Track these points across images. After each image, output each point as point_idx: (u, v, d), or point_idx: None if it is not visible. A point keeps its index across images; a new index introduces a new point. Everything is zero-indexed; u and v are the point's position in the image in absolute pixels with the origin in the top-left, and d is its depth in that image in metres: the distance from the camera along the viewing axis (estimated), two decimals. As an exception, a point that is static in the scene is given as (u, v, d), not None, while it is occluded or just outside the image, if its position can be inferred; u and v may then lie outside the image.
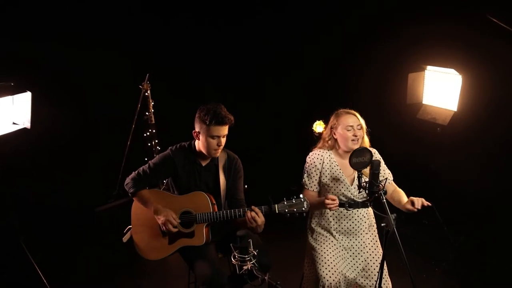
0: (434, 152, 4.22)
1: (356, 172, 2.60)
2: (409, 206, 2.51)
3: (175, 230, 2.57)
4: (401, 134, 4.41)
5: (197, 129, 2.60)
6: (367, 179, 2.30)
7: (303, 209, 2.45)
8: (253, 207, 2.47)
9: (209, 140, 2.55)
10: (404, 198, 2.63)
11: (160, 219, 2.57)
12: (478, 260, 3.73)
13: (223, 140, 2.59)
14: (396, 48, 4.45)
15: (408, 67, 4.16)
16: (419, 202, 2.47)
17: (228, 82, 5.47)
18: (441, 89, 3.98)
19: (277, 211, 2.46)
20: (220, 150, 2.62)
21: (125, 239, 2.76)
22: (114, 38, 4.92)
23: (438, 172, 4.23)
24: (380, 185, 2.21)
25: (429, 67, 4.01)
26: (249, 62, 5.54)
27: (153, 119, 4.54)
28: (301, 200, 2.45)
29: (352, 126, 2.62)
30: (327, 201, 2.45)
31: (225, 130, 2.56)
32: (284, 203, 2.47)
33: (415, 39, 4.23)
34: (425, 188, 4.10)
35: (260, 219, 2.45)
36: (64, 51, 4.64)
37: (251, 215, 2.44)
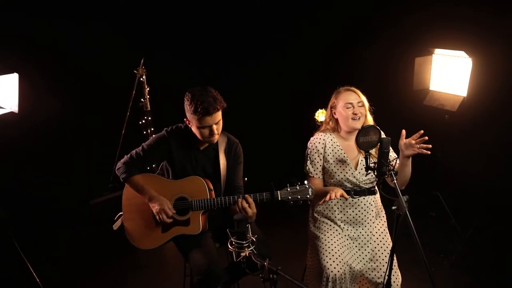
0: (442, 140, 4.05)
1: (362, 154, 2.48)
2: (402, 143, 2.25)
3: (169, 221, 2.42)
4: (407, 122, 4.17)
5: (187, 117, 2.42)
6: (374, 161, 2.14)
7: (308, 196, 2.29)
8: (246, 196, 2.33)
9: (200, 130, 2.37)
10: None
11: (155, 208, 2.42)
12: (490, 253, 3.57)
13: (216, 127, 2.38)
14: (402, 31, 4.30)
15: (414, 51, 4.00)
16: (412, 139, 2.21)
17: (226, 67, 5.36)
18: (449, 73, 3.81)
19: (279, 198, 2.31)
20: (216, 137, 2.43)
21: (115, 226, 2.61)
22: (107, 22, 4.80)
23: (446, 161, 4.07)
24: (390, 165, 2.04)
25: (437, 51, 3.85)
26: (248, 48, 5.43)
27: (148, 105, 4.44)
28: (306, 187, 2.30)
29: (351, 104, 2.46)
30: (332, 195, 2.29)
31: (215, 118, 2.34)
32: (287, 190, 2.31)
33: (422, 21, 4.07)
34: (432, 178, 3.99)
35: (252, 210, 2.31)
36: (55, 35, 4.51)
37: (242, 205, 2.30)
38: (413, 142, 2.22)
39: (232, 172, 2.59)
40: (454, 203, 3.94)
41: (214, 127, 2.36)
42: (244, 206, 2.30)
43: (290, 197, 2.31)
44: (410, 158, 2.29)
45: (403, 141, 2.27)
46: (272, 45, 5.41)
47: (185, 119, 2.46)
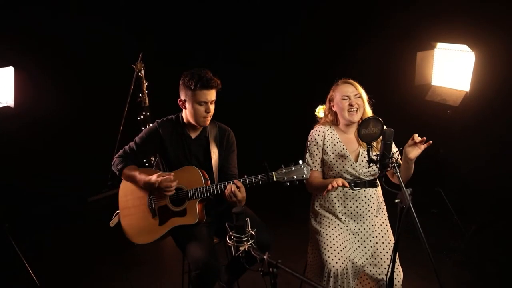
0: (444, 136, 4.01)
1: (363, 147, 2.45)
2: (411, 142, 2.23)
3: (174, 184, 2.37)
4: (409, 118, 4.22)
5: (182, 97, 2.44)
6: (377, 153, 2.09)
7: (304, 175, 2.29)
8: (235, 180, 2.32)
9: (196, 107, 2.38)
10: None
11: (154, 181, 2.37)
12: (492, 251, 3.52)
13: (212, 107, 2.42)
14: (403, 25, 4.25)
15: (416, 45, 3.96)
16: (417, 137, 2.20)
17: (226, 66, 5.31)
18: (452, 68, 3.77)
19: (275, 179, 2.30)
20: (209, 118, 2.45)
21: (112, 223, 2.61)
22: (107, 16, 4.76)
23: (448, 157, 4.02)
24: (393, 158, 1.99)
25: (439, 45, 3.81)
26: (248, 47, 5.38)
27: (147, 101, 4.41)
28: (301, 166, 2.29)
29: (348, 96, 2.44)
30: (333, 184, 2.25)
31: (212, 94, 2.39)
32: (282, 170, 2.30)
33: (424, 15, 4.03)
34: (434, 174, 3.93)
35: (241, 194, 2.31)
36: (53, 30, 4.47)
37: (231, 188, 2.30)
38: (416, 141, 2.19)
39: (225, 161, 2.58)
40: (457, 200, 3.89)
41: (210, 105, 2.40)
42: (234, 189, 2.30)
43: (286, 178, 2.30)
44: (414, 161, 2.27)
45: (408, 144, 2.24)
46: (272, 45, 5.38)
47: (178, 100, 2.47)
